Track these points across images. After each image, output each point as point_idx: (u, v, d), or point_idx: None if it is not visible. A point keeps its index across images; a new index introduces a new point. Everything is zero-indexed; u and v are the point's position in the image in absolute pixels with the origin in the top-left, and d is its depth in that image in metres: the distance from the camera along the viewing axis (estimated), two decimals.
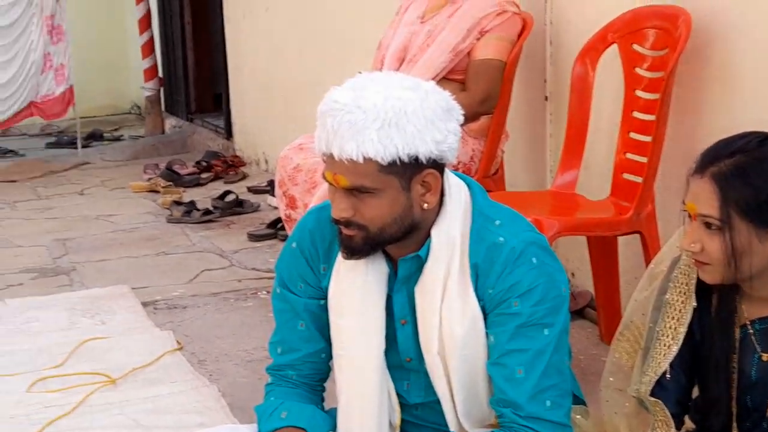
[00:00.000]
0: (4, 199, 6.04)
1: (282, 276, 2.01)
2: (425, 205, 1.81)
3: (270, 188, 5.55)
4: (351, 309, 1.90)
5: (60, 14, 7.44)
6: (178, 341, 3.39)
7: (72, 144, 7.82)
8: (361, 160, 1.73)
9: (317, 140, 1.80)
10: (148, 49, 8.10)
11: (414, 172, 1.77)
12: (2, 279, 4.29)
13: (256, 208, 5.38)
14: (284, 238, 4.55)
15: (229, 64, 6.89)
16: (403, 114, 1.73)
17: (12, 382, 3.08)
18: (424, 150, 1.74)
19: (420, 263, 1.85)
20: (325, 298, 1.96)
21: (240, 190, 5.77)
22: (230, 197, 5.44)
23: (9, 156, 7.65)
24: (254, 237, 4.75)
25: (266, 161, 6.41)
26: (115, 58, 9.47)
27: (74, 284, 4.18)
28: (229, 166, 6.46)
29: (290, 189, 3.52)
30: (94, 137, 8.16)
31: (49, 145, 8.06)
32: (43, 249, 4.79)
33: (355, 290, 1.90)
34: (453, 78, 3.36)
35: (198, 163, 6.52)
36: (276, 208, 5.00)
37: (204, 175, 6.30)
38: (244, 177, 6.30)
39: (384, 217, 1.79)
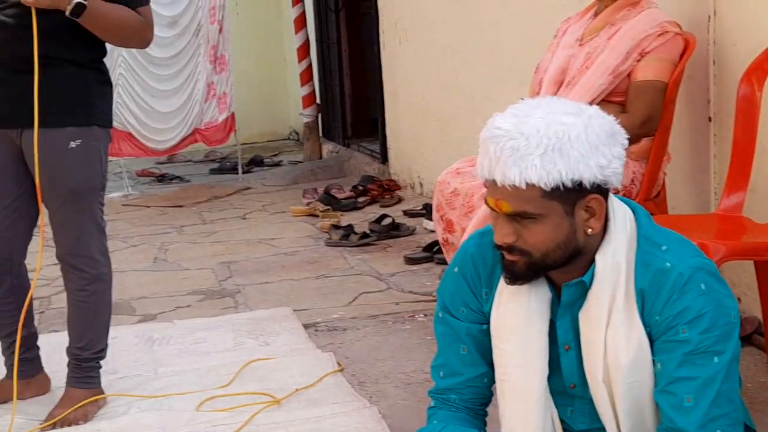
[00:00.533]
0: (171, 223, 6.29)
1: (444, 300, 2.04)
2: (589, 231, 1.80)
3: (425, 212, 5.60)
4: (514, 334, 1.91)
5: (223, 45, 7.72)
6: (339, 363, 3.46)
7: (234, 170, 8.09)
8: (524, 186, 1.74)
9: (479, 166, 1.81)
10: (306, 76, 8.32)
11: (577, 197, 1.77)
12: (172, 300, 4.47)
13: (411, 232, 5.43)
14: (441, 262, 4.58)
15: (385, 90, 7.00)
16: (567, 139, 1.73)
17: (182, 401, 3.20)
18: (588, 175, 1.74)
19: (584, 289, 1.84)
20: (488, 322, 1.97)
21: (396, 213, 5.84)
22: (386, 221, 5.51)
23: (175, 182, 7.97)
24: (411, 260, 4.80)
25: (421, 185, 6.47)
26: (275, 86, 9.75)
27: (239, 306, 4.31)
28: (385, 190, 6.55)
29: (448, 213, 3.54)
30: (254, 163, 8.42)
31: (213, 171, 8.35)
32: (209, 272, 4.96)
33: (518, 315, 1.90)
34: (612, 100, 3.33)
35: (355, 187, 6.64)
36: (432, 231, 5.05)
37: (360, 199, 6.41)
38: (400, 201, 6.38)
39: (547, 242, 1.79)
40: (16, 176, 3.06)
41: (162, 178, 8.09)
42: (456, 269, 2.01)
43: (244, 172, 8.03)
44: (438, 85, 6.08)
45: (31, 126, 2.90)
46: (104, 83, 3.10)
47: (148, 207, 6.90)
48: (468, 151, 4.45)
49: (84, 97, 3.01)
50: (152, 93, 7.41)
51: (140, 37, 3.08)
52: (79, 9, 2.83)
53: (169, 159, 8.69)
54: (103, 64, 3.11)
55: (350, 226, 5.49)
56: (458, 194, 3.49)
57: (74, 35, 2.93)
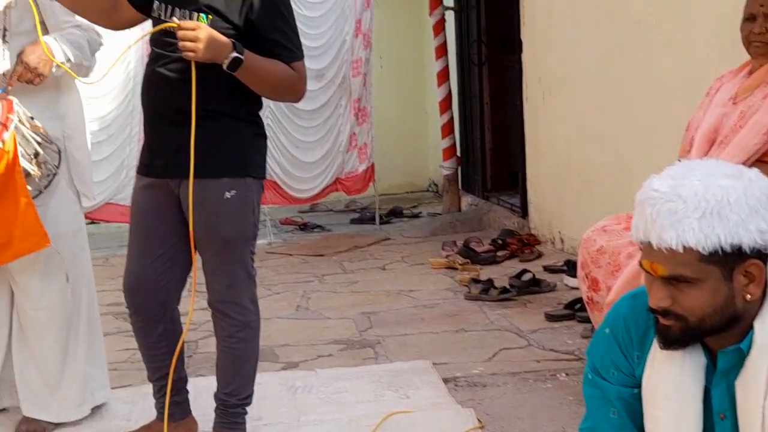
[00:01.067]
0: (313, 272, 6.40)
1: (594, 362, 2.01)
2: (748, 297, 1.76)
3: (566, 268, 5.54)
4: (667, 400, 1.87)
5: (366, 97, 7.88)
6: (479, 419, 3.44)
7: (373, 220, 8.19)
8: (680, 250, 1.71)
9: (634, 228, 1.80)
10: (447, 129, 8.39)
11: (736, 262, 1.73)
12: (314, 349, 4.53)
13: (552, 288, 5.38)
14: (583, 320, 4.51)
15: (526, 144, 6.99)
16: (726, 203, 1.70)
17: None
18: (748, 240, 1.70)
19: (741, 356, 1.80)
20: (639, 386, 1.93)
21: (536, 269, 5.80)
22: (527, 276, 5.47)
23: (317, 231, 8.12)
24: (552, 317, 4.75)
25: (562, 240, 6.41)
26: (415, 138, 9.86)
27: (379, 357, 4.35)
28: (525, 244, 6.51)
29: (593, 271, 3.50)
30: (394, 214, 8.51)
31: (353, 221, 8.47)
32: (350, 321, 5.02)
33: (671, 381, 1.86)
34: (767, 160, 3.24)
35: (494, 241, 6.63)
36: (574, 288, 4.99)
37: (500, 253, 6.39)
38: (540, 256, 6.33)
39: (704, 308, 1.75)
40: (173, 224, 3.18)
41: (304, 227, 8.25)
42: (607, 330, 1.98)
43: (383, 223, 8.13)
44: (581, 141, 6.04)
45: (188, 176, 3.01)
46: (259, 136, 3.20)
47: (290, 255, 7.04)
48: (613, 208, 4.40)
49: (240, 149, 3.11)
50: (297, 144, 7.60)
51: (294, 91, 3.17)
52: (236, 63, 2.94)
53: (311, 208, 8.87)
54: (259, 117, 3.22)
55: (490, 281, 5.47)
56: (604, 252, 3.45)
57: (231, 89, 3.03)
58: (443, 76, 8.37)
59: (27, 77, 3.17)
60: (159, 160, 3.13)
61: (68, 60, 3.22)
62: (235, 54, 2.91)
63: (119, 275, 6.15)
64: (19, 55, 3.19)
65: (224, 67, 2.93)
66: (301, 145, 7.61)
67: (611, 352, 1.97)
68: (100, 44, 3.42)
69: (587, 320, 4.27)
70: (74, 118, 3.47)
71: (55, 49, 3.20)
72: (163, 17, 3.05)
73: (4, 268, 3.35)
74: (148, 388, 3.40)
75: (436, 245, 6.90)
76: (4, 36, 3.22)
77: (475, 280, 5.53)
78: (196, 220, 3.05)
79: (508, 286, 5.36)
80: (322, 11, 7.39)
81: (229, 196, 3.08)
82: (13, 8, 3.23)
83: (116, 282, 5.95)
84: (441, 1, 8.30)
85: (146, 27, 3.18)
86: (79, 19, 3.30)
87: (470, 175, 8.47)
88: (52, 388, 3.51)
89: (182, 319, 3.29)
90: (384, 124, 9.03)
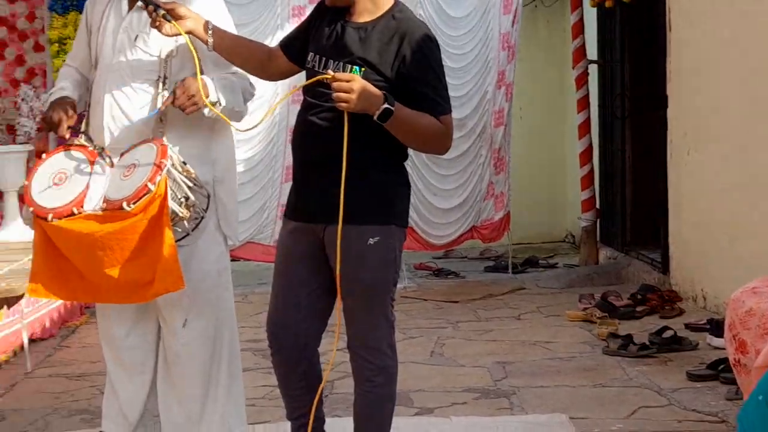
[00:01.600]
0: (447, 318, 6.41)
1: (745, 429, 1.97)
2: None
3: (709, 327, 5.39)
4: None
5: (505, 147, 7.88)
6: None
7: (508, 269, 8.16)
8: None
9: None
10: (587, 181, 8.31)
11: None
12: (448, 396, 4.54)
13: (694, 347, 5.24)
14: (727, 381, 4.39)
15: (669, 199, 6.86)
16: None
17: None
18: None
19: None
20: None
21: (677, 326, 5.66)
22: (668, 333, 5.35)
23: (451, 277, 8.13)
24: (694, 377, 4.63)
25: (704, 298, 6.25)
26: (553, 189, 9.79)
27: (514, 408, 4.32)
28: (665, 300, 6.37)
29: (741, 333, 3.41)
30: (529, 263, 8.45)
31: (488, 269, 8.45)
32: (484, 370, 5.00)
33: None
34: None
35: (633, 295, 6.51)
36: (717, 348, 4.87)
37: (639, 308, 6.27)
38: (681, 313, 6.18)
39: None
40: (317, 268, 3.24)
41: (438, 273, 8.27)
42: (761, 398, 1.94)
43: (518, 272, 8.08)
44: (728, 197, 5.90)
45: (335, 222, 3.07)
46: (404, 185, 3.25)
47: (425, 300, 7.07)
48: (762, 269, 4.28)
49: (385, 197, 3.17)
50: (435, 191, 7.64)
51: (440, 143, 3.22)
52: (387, 115, 2.99)
53: (446, 254, 8.89)
54: (404, 167, 3.27)
55: (629, 336, 5.37)
56: (754, 314, 3.36)
57: (380, 139, 3.09)
58: (584, 128, 8.31)
59: (182, 101, 3.25)
60: (306, 205, 3.21)
61: (219, 103, 3.33)
62: (386, 106, 2.97)
63: (258, 312, 6.35)
64: (179, 82, 3.31)
65: (375, 118, 2.99)
66: (439, 192, 7.65)
67: (766, 421, 1.92)
68: (252, 94, 3.52)
69: (732, 382, 4.15)
70: (225, 163, 3.57)
71: (210, 89, 3.31)
72: (317, 68, 3.14)
73: (153, 303, 3.46)
74: (286, 425, 3.45)
75: (572, 297, 6.82)
76: (164, 83, 3.36)
77: (614, 335, 5.45)
78: (340, 264, 3.10)
79: (647, 343, 5.25)
80: (465, 62, 7.44)
81: (372, 243, 3.13)
82: (174, 57, 3.37)
83: (255, 319, 6.11)
84: (585, 55, 8.27)
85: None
86: (234, 68, 3.43)
87: (609, 228, 8.35)
88: (192, 422, 3.58)
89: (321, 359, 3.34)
90: (522, 173, 9.01)
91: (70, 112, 3.33)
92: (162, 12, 3.21)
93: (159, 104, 3.31)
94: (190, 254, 3.34)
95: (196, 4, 3.36)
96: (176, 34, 3.24)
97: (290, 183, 3.41)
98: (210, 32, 3.27)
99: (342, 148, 3.02)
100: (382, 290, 3.20)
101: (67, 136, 3.34)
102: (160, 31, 3.24)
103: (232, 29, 3.43)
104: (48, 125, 3.34)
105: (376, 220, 3.15)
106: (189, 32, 3.25)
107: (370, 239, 3.13)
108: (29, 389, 4.92)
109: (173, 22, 3.21)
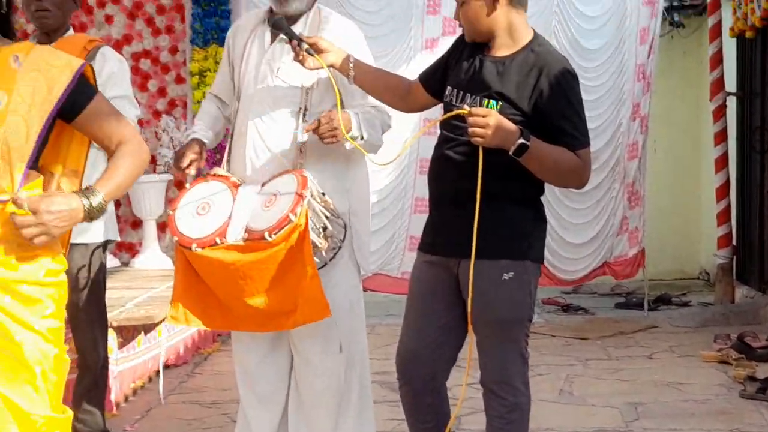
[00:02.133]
0: (576, 355, 6.31)
1: None
2: None
3: None
4: None
5: (640, 181, 7.74)
6: None
7: (639, 306, 7.98)
8: None
9: None
10: (724, 216, 8.09)
11: None
12: None
13: None
14: None
15: None
16: None
17: None
18: None
19: None
20: None
21: None
22: None
23: (580, 313, 8.01)
24: None
25: None
26: (688, 224, 9.57)
27: None
28: None
29: None
30: (662, 301, 8.25)
31: (618, 306, 8.29)
32: (615, 411, 4.90)
33: None
34: None
35: None
36: None
37: None
38: None
39: None
40: (450, 301, 3.24)
41: (567, 308, 8.16)
42: None
43: (650, 310, 7.90)
44: None
45: (469, 256, 3.06)
46: (540, 220, 3.23)
47: (553, 336, 6.98)
48: None
49: (520, 232, 3.15)
50: (566, 226, 7.55)
51: (577, 178, 3.18)
52: (522, 149, 2.98)
53: (575, 289, 8.76)
54: (540, 201, 3.24)
55: (767, 379, 5.18)
56: None
57: (516, 173, 3.07)
58: (722, 162, 8.10)
59: (323, 131, 3.30)
60: (441, 238, 3.22)
61: (362, 137, 3.37)
62: (521, 141, 2.96)
63: (386, 344, 6.36)
64: (325, 112, 3.36)
65: (510, 152, 2.98)
66: (570, 226, 7.55)
67: None
68: (390, 126, 3.56)
69: None
70: (360, 193, 3.62)
71: (354, 123, 3.36)
72: (454, 102, 3.16)
73: (287, 332, 3.51)
74: None
75: (707, 337, 6.62)
76: (304, 115, 3.43)
77: (752, 378, 5.26)
78: (473, 299, 3.09)
79: None
80: (599, 94, 7.35)
81: (507, 278, 3.11)
82: (315, 89, 3.44)
83: (382, 351, 6.12)
84: (723, 86, 8.07)
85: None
86: (373, 100, 3.47)
87: (746, 266, 8.10)
88: None
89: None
90: (656, 208, 8.83)
91: (195, 155, 3.42)
92: (305, 46, 3.28)
93: (299, 136, 3.38)
94: (325, 285, 3.36)
95: (337, 38, 3.42)
96: (319, 68, 3.30)
97: (419, 215, 3.42)
98: (351, 65, 3.32)
99: (477, 183, 3.02)
100: (516, 326, 3.18)
101: (193, 172, 3.42)
102: (303, 64, 3.30)
103: (371, 62, 3.48)
104: (176, 166, 3.45)
105: (511, 255, 3.13)
106: (331, 66, 3.31)
107: (505, 274, 3.11)
108: (163, 415, 5.04)
109: (316, 56, 3.28)
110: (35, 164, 2.43)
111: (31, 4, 3.97)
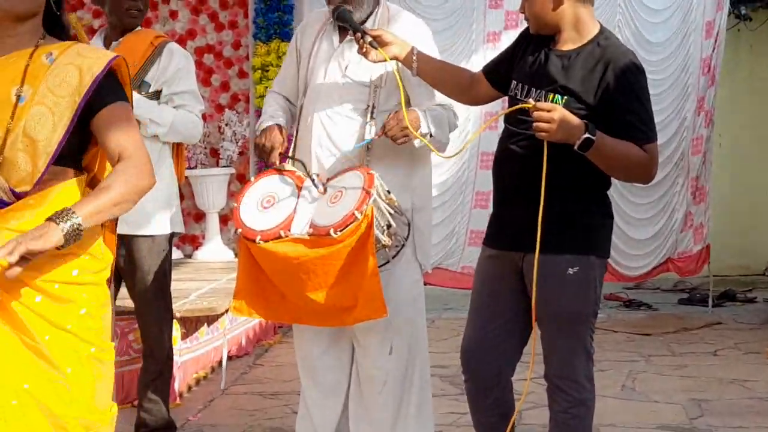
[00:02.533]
0: (639, 351, 6.25)
1: None
2: None
3: None
4: None
5: (705, 176, 7.63)
6: None
7: (703, 302, 7.88)
8: None
9: None
10: None
11: None
12: None
13: None
14: None
15: None
16: None
17: None
18: None
19: None
20: None
21: None
22: None
23: (643, 309, 7.93)
24: None
25: None
26: (753, 220, 9.41)
27: None
28: None
29: None
30: (726, 297, 8.14)
31: (681, 302, 8.19)
32: (678, 407, 4.85)
33: None
34: None
35: None
36: None
37: None
38: None
39: None
40: (514, 296, 3.22)
41: (629, 304, 8.08)
42: None
43: (714, 306, 7.79)
44: None
45: (533, 251, 3.05)
46: (606, 215, 3.20)
47: (615, 332, 6.92)
48: None
49: (586, 226, 3.12)
50: (628, 220, 7.46)
51: (644, 173, 3.14)
52: (588, 144, 2.95)
53: (637, 285, 8.67)
54: (606, 196, 3.22)
55: None
56: None
57: (581, 168, 3.04)
58: None
59: (394, 132, 3.31)
60: (506, 232, 3.21)
61: (430, 135, 3.37)
62: (586, 135, 2.93)
63: (444, 338, 6.37)
64: (392, 113, 3.37)
65: (575, 147, 2.96)
66: (633, 221, 7.47)
67: None
68: (456, 125, 3.55)
69: None
70: (424, 191, 3.62)
71: (422, 121, 3.36)
72: (519, 96, 3.14)
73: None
74: None
75: None
76: (372, 113, 3.44)
77: None
78: (538, 294, 3.07)
79: None
80: (663, 88, 7.25)
81: (571, 273, 3.09)
82: (383, 87, 3.45)
83: (441, 344, 6.12)
84: None
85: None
86: (439, 98, 3.46)
87: None
88: None
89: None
90: (720, 203, 8.69)
91: (280, 138, 3.45)
92: (369, 39, 3.29)
93: (366, 133, 3.39)
94: (387, 281, 3.38)
95: (405, 33, 3.42)
96: (382, 60, 3.31)
97: (480, 209, 3.41)
98: (415, 57, 3.32)
99: (542, 177, 3.00)
100: (581, 321, 3.16)
101: (277, 162, 3.45)
102: (366, 57, 3.31)
103: (436, 55, 3.47)
104: (259, 152, 3.47)
105: (576, 250, 3.11)
106: (395, 58, 3.31)
107: (569, 269, 3.09)
108: (225, 406, 5.10)
109: (379, 48, 3.29)
110: (74, 162, 2.37)
111: (124, 3, 4.03)
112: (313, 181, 3.38)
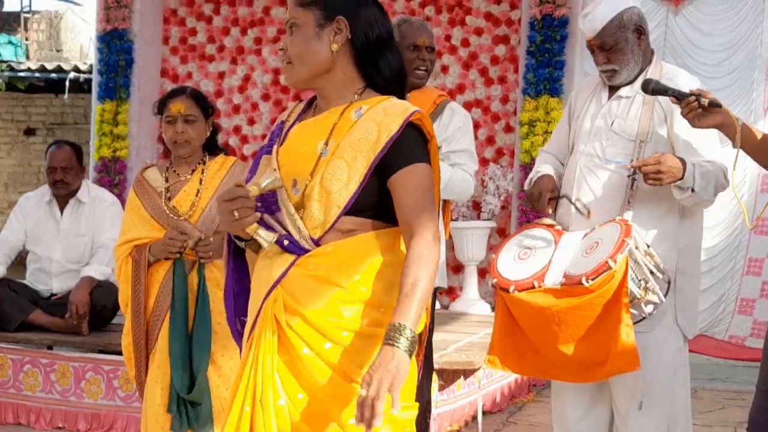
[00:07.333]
0: None
1: None
2: None
3: None
4: None
5: None
6: None
7: None
8: None
9: None
10: None
11: None
12: None
13: None
14: None
15: None
16: None
17: None
18: None
19: None
20: None
21: None
22: None
23: None
24: None
25: None
26: None
27: None
28: None
29: None
30: None
31: None
32: None
33: None
34: None
35: None
36: None
37: None
38: None
39: None
40: None
41: None
42: None
43: None
44: None
45: None
46: None
47: None
48: None
49: None
50: None
51: None
52: None
53: None
54: None
55: None
56: None
57: None
58: None
59: (649, 170, 3.19)
60: None
61: (692, 190, 3.23)
62: None
63: (708, 410, 6.04)
64: (662, 153, 3.26)
65: None
66: None
67: None
68: (725, 186, 3.37)
69: None
70: (691, 251, 3.46)
71: (689, 172, 3.22)
72: None
73: (608, 389, 3.42)
74: None
75: None
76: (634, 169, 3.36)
77: None
78: None
79: None
80: None
81: None
82: (648, 143, 3.35)
83: (704, 417, 5.82)
84: None
85: None
86: (710, 155, 3.32)
87: None
88: None
89: None
90: None
91: (549, 186, 3.46)
92: (704, 101, 3.10)
93: (623, 162, 3.32)
94: (646, 344, 3.25)
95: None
96: (710, 126, 3.15)
97: (752, 276, 3.22)
98: (739, 128, 3.13)
99: None
100: None
101: (549, 211, 3.45)
102: (692, 122, 3.17)
103: None
104: (530, 200, 3.50)
105: None
106: (720, 125, 3.15)
107: None
108: None
109: (711, 110, 3.10)
110: (377, 214, 2.38)
111: (414, 62, 4.06)
112: (576, 207, 3.36)
